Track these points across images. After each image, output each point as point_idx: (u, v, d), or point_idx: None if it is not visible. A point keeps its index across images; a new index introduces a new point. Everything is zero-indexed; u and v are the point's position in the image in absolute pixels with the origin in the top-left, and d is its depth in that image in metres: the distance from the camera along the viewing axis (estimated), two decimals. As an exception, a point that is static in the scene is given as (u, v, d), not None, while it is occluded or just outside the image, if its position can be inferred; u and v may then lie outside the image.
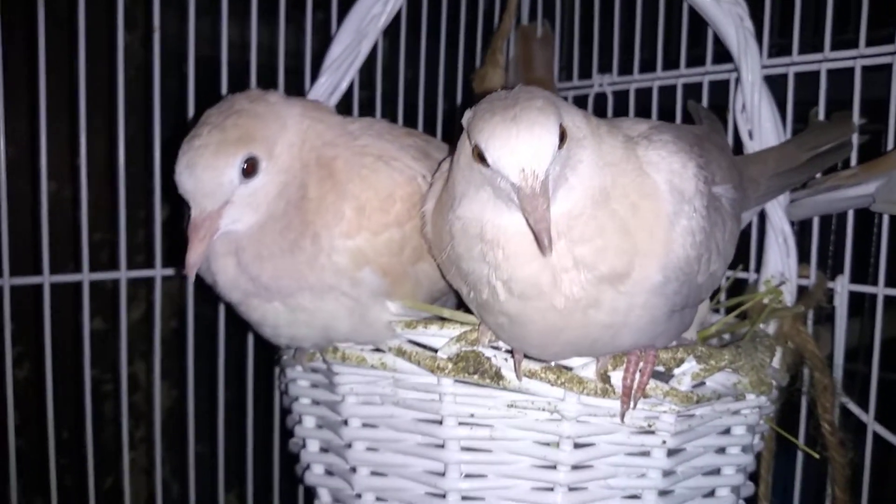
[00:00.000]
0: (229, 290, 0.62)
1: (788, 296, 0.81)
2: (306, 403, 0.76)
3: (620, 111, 1.06)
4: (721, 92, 0.94)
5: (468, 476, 0.66)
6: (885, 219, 0.80)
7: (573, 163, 0.51)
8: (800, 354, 0.77)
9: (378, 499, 0.70)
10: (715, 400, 0.65)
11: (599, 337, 0.55)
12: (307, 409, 0.76)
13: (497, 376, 0.62)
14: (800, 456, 0.87)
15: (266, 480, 1.05)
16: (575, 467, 0.63)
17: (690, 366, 0.63)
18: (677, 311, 0.58)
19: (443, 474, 0.66)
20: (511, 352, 0.62)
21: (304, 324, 0.63)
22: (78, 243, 0.87)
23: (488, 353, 0.63)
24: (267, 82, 0.91)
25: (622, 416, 0.62)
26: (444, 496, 0.66)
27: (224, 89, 0.91)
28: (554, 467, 0.64)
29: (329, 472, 0.75)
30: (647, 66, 1.02)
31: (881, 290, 0.81)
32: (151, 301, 0.94)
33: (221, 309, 0.94)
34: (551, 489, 0.64)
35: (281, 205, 0.59)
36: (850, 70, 0.82)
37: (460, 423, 0.65)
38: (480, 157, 0.50)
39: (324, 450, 0.76)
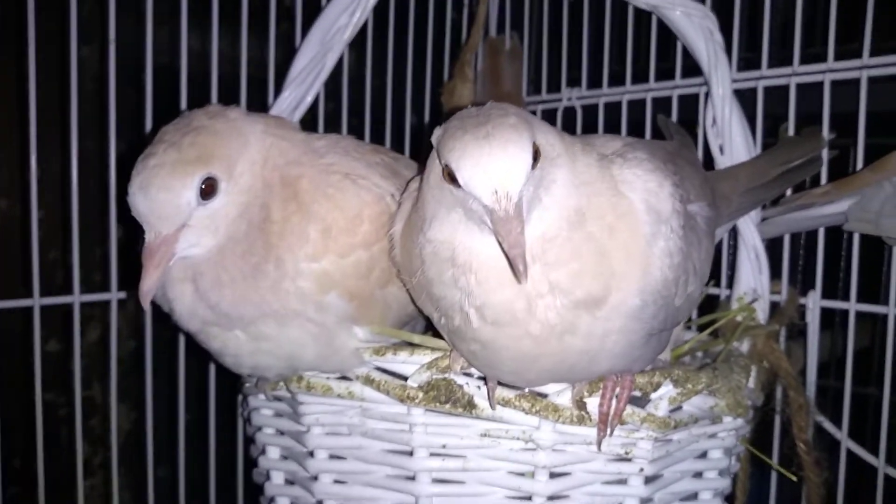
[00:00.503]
0: (187, 319, 0.59)
1: (761, 313, 0.80)
2: (270, 433, 0.73)
3: (589, 125, 1.05)
4: (690, 106, 0.93)
5: (441, 509, 0.63)
6: (856, 234, 0.80)
7: (547, 183, 0.49)
8: (773, 373, 0.76)
9: (345, 535, 0.68)
10: (692, 424, 0.64)
11: (576, 363, 0.53)
12: (271, 440, 0.73)
13: (470, 405, 0.60)
14: (774, 475, 0.86)
15: (229, 504, 1.01)
16: (551, 498, 0.61)
17: (667, 390, 0.61)
18: (654, 335, 0.56)
19: (414, 508, 0.63)
20: (484, 379, 0.60)
21: (267, 353, 0.60)
22: (29, 263, 0.83)
23: (460, 380, 0.60)
24: (229, 93, 0.88)
25: (599, 443, 0.60)
26: (416, 531, 0.64)
27: (184, 101, 0.88)
28: (529, 498, 0.62)
29: (294, 505, 0.72)
30: (616, 79, 1.02)
31: (853, 306, 0.81)
32: (108, 322, 0.90)
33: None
34: (527, 521, 0.62)
35: (242, 227, 0.56)
36: (820, 84, 0.82)
37: (431, 454, 0.62)
38: (451, 177, 0.48)
39: (289, 482, 0.72)
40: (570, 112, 1.07)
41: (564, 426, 0.60)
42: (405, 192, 0.60)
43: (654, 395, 0.61)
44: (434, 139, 0.52)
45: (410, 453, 0.63)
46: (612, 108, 1.02)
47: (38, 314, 0.83)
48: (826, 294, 0.83)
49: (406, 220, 0.58)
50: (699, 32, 0.82)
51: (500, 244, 0.46)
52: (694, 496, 0.69)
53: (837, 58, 0.81)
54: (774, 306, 0.82)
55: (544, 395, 0.59)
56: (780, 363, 0.76)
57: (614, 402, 0.59)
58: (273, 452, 0.73)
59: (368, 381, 0.62)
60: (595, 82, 1.04)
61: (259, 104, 0.91)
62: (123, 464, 0.93)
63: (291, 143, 0.59)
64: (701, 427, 0.65)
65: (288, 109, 0.84)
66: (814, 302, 0.84)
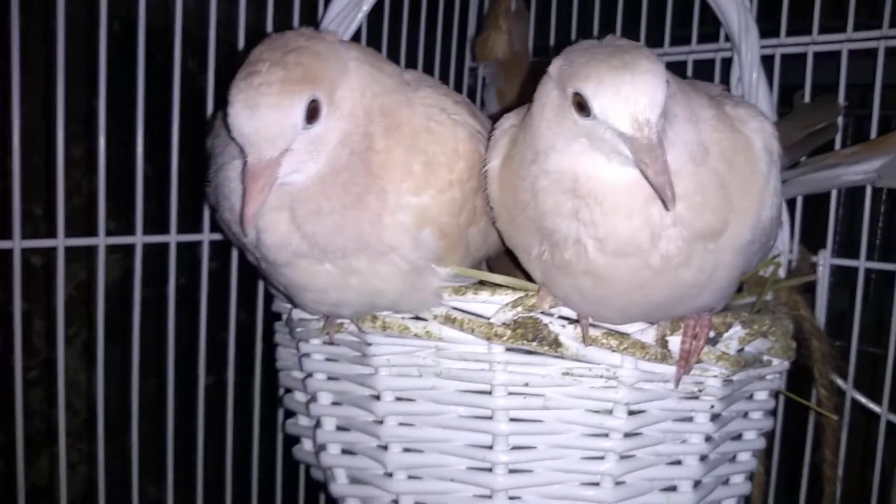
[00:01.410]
0: (277, 250, 0.56)
1: (782, 269, 0.84)
2: (322, 379, 0.71)
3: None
4: (706, 73, 0.96)
5: (516, 448, 0.64)
6: (867, 197, 0.85)
7: (670, 117, 0.49)
8: (798, 323, 0.81)
9: (411, 477, 0.67)
10: (754, 364, 0.66)
11: (684, 296, 0.55)
12: (325, 385, 0.71)
13: (556, 343, 0.60)
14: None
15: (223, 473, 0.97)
16: (627, 435, 0.63)
17: (736, 330, 0.64)
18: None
19: (490, 447, 0.63)
20: (568, 319, 0.60)
21: (353, 288, 0.59)
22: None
23: (546, 319, 0.61)
24: (226, 59, 0.82)
25: (677, 381, 0.62)
26: (490, 469, 0.64)
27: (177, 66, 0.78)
28: (606, 435, 0.63)
29: (348, 452, 0.71)
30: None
31: (862, 264, 0.86)
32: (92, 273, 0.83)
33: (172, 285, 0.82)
34: (602, 458, 0.63)
35: (343, 155, 0.54)
36: (837, 54, 0.87)
37: (510, 393, 0.63)
38: (580, 106, 0.48)
39: (342, 428, 0.71)
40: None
41: (645, 364, 0.61)
42: (497, 130, 0.60)
43: (726, 335, 0.63)
44: (553, 70, 0.52)
45: (489, 392, 0.63)
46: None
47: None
48: (840, 253, 0.88)
49: (504, 156, 0.58)
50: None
51: (643, 172, 0.47)
52: (740, 436, 0.72)
53: (856, 28, 0.85)
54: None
55: (627, 335, 0.61)
56: (804, 314, 0.80)
57: (692, 340, 0.61)
58: (325, 398, 0.71)
59: (449, 319, 0.62)
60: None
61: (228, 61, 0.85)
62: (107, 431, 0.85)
63: (386, 74, 0.58)
64: (756, 368, 0.68)
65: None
66: (824, 260, 0.89)
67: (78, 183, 1.06)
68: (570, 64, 0.50)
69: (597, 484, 0.64)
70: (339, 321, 0.67)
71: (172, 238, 0.81)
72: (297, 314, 0.71)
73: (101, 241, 0.76)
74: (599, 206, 0.50)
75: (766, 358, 0.68)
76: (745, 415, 0.72)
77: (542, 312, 0.61)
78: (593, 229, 0.51)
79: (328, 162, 0.54)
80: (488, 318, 0.61)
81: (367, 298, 0.60)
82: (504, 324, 0.60)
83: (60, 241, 0.73)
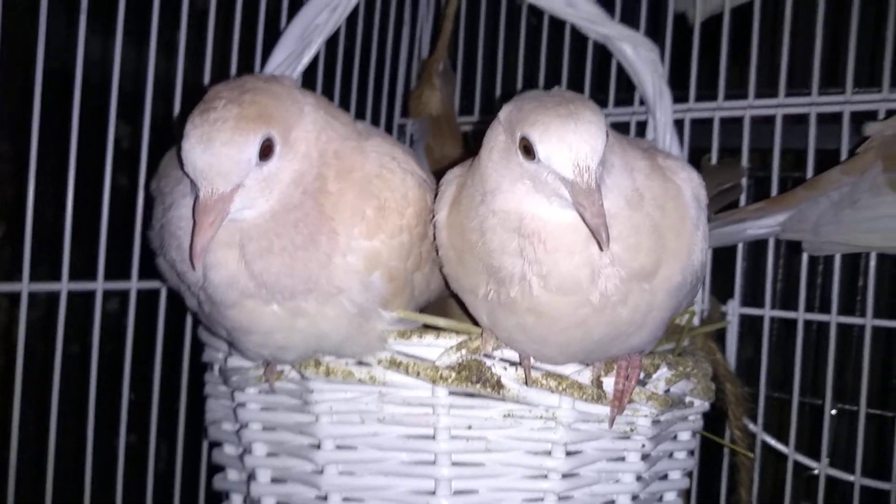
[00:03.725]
0: (224, 289, 0.56)
1: (696, 317, 0.90)
2: (257, 429, 0.70)
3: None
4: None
5: (458, 493, 0.64)
6: (769, 249, 0.93)
7: (608, 166, 0.53)
8: (714, 368, 0.86)
9: (350, 526, 0.66)
10: (677, 405, 0.70)
11: (620, 334, 0.58)
12: (259, 436, 0.70)
13: (498, 385, 0.62)
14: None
15: None
16: (565, 475, 0.65)
17: (663, 371, 0.67)
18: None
19: (433, 492, 0.64)
20: (510, 361, 0.62)
21: (300, 331, 0.59)
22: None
23: (489, 361, 0.63)
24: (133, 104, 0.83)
25: (612, 420, 0.64)
26: (432, 515, 0.64)
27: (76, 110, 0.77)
28: (545, 476, 0.65)
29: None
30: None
31: (767, 312, 0.93)
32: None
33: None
34: (542, 499, 0.65)
35: (296, 195, 0.55)
36: (741, 119, 0.95)
37: (453, 437, 0.64)
38: (526, 149, 0.51)
39: (277, 480, 0.70)
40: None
41: (582, 404, 0.64)
42: (444, 180, 0.62)
43: (654, 376, 0.67)
44: (503, 116, 0.55)
45: (433, 436, 0.63)
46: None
47: None
48: (746, 302, 0.95)
49: (451, 203, 0.60)
50: (646, 64, 0.91)
51: (581, 214, 0.50)
52: (665, 476, 0.75)
53: (757, 96, 0.94)
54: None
55: (566, 376, 0.63)
56: (718, 359, 0.86)
57: (624, 381, 0.64)
58: (260, 449, 0.70)
59: (394, 364, 0.63)
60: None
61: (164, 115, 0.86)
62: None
63: (340, 121, 0.59)
64: (679, 409, 0.72)
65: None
66: (733, 309, 0.95)
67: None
68: (518, 110, 0.53)
69: (536, 527, 0.65)
70: (279, 368, 0.66)
71: (99, 285, 0.79)
72: (234, 362, 0.70)
73: (25, 287, 0.73)
74: (543, 244, 0.53)
75: (688, 399, 0.72)
76: (671, 455, 0.75)
77: (485, 355, 0.62)
78: (537, 266, 0.54)
79: (280, 200, 0.54)
80: (433, 362, 0.62)
81: (313, 342, 0.60)
82: (449, 366, 0.62)
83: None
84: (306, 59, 0.84)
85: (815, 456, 0.90)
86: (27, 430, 0.76)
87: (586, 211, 0.50)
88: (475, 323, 0.64)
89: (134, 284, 0.83)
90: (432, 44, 1.16)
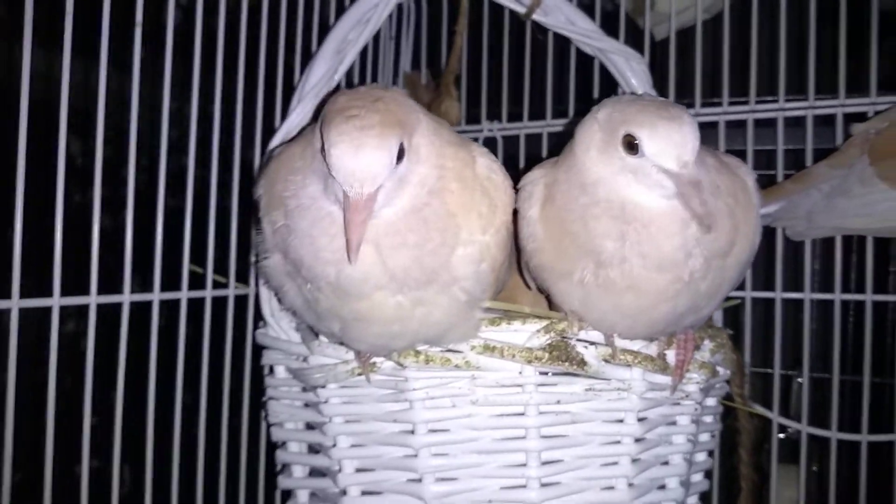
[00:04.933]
0: (360, 283, 0.59)
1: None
2: (339, 423, 0.73)
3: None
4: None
5: (546, 463, 0.70)
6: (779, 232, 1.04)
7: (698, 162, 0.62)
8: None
9: (444, 505, 0.71)
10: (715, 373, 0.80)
11: (697, 307, 0.66)
12: (343, 428, 0.73)
13: (582, 363, 0.69)
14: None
15: None
16: (636, 440, 0.72)
17: (707, 343, 0.77)
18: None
19: (524, 464, 0.70)
20: (589, 341, 0.70)
21: (416, 319, 0.63)
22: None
23: (572, 342, 0.69)
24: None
25: (673, 388, 0.73)
26: (524, 486, 0.70)
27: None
28: (619, 442, 0.72)
29: (369, 493, 0.73)
30: (537, 114, 1.18)
31: (749, 294, 1.05)
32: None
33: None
34: (616, 463, 0.72)
35: (423, 195, 0.60)
36: (716, 124, 1.07)
37: (541, 413, 0.70)
38: (629, 146, 0.59)
39: (361, 470, 0.73)
40: (489, 142, 1.21)
41: (651, 375, 0.72)
42: (528, 182, 0.69)
43: (702, 347, 0.76)
44: (602, 116, 0.63)
45: (523, 413, 0.69)
46: (533, 139, 1.18)
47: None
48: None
49: (542, 201, 0.67)
50: (636, 75, 1.01)
51: (685, 204, 0.59)
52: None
53: (731, 103, 1.06)
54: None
55: (639, 352, 0.71)
56: (717, 332, 0.97)
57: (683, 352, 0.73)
58: (344, 441, 0.73)
59: (488, 349, 0.68)
60: (515, 116, 1.19)
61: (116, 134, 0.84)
62: None
63: (445, 128, 0.65)
64: (715, 377, 0.81)
65: (300, 122, 0.84)
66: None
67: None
68: (620, 112, 0.61)
69: (612, 488, 0.72)
70: (373, 360, 0.70)
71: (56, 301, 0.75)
72: (316, 360, 0.73)
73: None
74: (646, 229, 0.61)
75: (719, 368, 0.82)
76: (704, 420, 0.85)
77: (570, 336, 0.69)
78: (639, 247, 0.61)
79: (410, 200, 0.59)
80: (523, 345, 0.68)
81: (424, 330, 0.65)
82: (541, 348, 0.68)
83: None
84: (340, 73, 0.88)
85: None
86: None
87: (692, 200, 0.58)
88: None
89: (93, 299, 0.79)
90: (429, 57, 1.22)
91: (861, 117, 0.96)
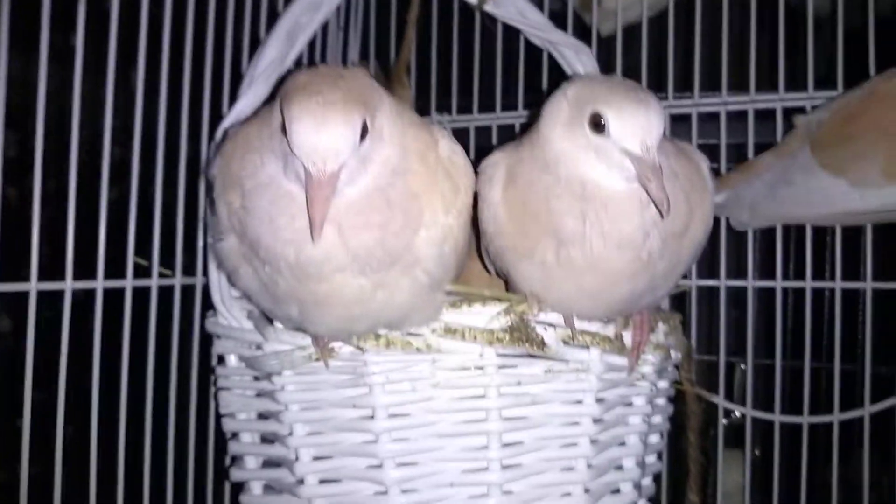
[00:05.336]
0: (320, 263, 0.58)
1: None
2: (296, 411, 0.72)
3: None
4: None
5: (507, 445, 0.70)
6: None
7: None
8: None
9: (404, 491, 0.70)
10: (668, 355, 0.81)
11: (655, 287, 0.68)
12: (299, 416, 0.71)
13: (541, 344, 0.69)
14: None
15: None
16: (595, 420, 0.73)
17: (661, 325, 0.78)
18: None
19: (485, 447, 0.69)
20: (548, 323, 0.70)
21: (378, 302, 0.62)
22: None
23: (532, 323, 0.69)
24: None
25: (630, 368, 0.74)
26: (486, 468, 0.70)
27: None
28: (578, 423, 0.72)
29: (327, 481, 0.72)
30: (487, 107, 1.18)
31: (694, 282, 1.08)
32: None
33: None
34: (576, 444, 0.72)
35: (386, 174, 0.59)
36: (689, 116, 1.09)
37: (502, 395, 0.70)
38: (595, 125, 0.60)
39: (318, 458, 0.72)
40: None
41: (608, 356, 0.72)
42: (488, 165, 0.69)
43: (657, 329, 0.77)
44: (571, 92, 0.63)
45: (483, 395, 0.69)
46: (483, 132, 1.18)
47: None
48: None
49: (503, 183, 0.67)
50: (585, 67, 1.03)
51: (644, 186, 0.60)
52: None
53: (677, 97, 1.09)
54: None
55: (597, 333, 0.72)
56: (669, 315, 0.99)
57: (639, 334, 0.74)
58: (301, 430, 0.72)
59: (449, 331, 0.68)
60: (465, 109, 1.20)
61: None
62: None
63: (406, 109, 0.64)
64: (667, 359, 0.83)
65: (252, 104, 0.82)
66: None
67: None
68: (590, 89, 0.62)
69: (572, 468, 0.73)
70: (332, 345, 0.69)
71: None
72: (271, 346, 0.71)
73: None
74: (605, 208, 0.62)
75: (672, 350, 0.83)
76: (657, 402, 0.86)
77: (529, 318, 0.69)
78: (599, 227, 0.62)
79: (373, 180, 0.58)
80: (484, 327, 0.68)
81: (386, 312, 0.64)
82: (501, 329, 0.68)
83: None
84: (290, 59, 0.87)
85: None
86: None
87: (651, 183, 0.59)
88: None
89: (34, 286, 0.76)
90: (378, 48, 1.21)
91: (800, 111, 1.00)
